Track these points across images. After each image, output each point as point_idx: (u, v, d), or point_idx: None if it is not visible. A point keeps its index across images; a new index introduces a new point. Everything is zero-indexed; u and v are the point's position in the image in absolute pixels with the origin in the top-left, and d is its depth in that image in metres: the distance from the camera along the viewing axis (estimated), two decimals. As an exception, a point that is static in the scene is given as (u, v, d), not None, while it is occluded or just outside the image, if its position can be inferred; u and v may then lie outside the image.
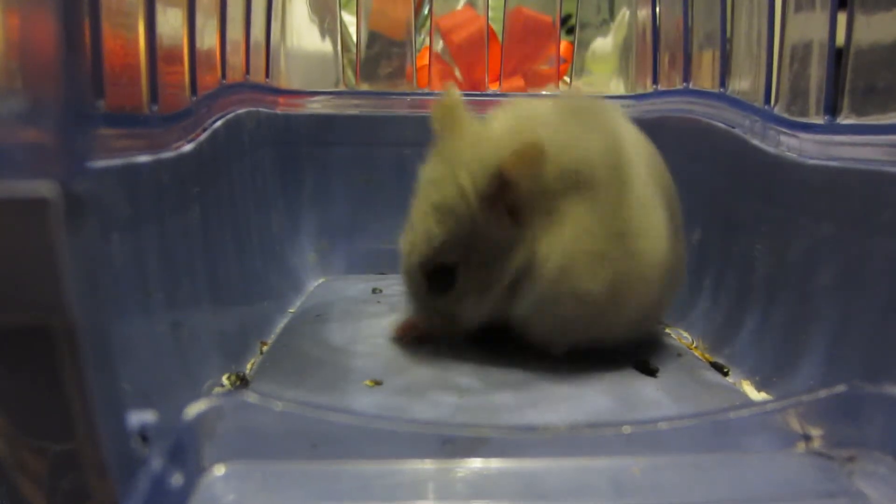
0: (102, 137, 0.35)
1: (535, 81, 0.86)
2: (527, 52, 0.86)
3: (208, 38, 0.51)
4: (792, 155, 0.50)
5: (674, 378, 0.48)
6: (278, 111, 0.72)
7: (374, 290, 0.69)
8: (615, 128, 0.50)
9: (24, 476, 0.24)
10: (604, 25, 0.88)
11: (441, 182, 0.47)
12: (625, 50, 0.84)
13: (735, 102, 0.59)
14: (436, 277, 0.47)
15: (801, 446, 0.35)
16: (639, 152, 0.51)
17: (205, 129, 0.49)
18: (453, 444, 0.33)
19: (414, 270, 0.48)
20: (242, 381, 0.45)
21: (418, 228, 0.47)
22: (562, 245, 0.45)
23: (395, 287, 0.70)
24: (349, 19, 0.84)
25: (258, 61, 0.67)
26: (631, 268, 0.46)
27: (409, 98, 0.77)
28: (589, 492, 0.32)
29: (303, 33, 0.78)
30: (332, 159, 0.75)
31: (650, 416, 0.37)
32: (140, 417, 0.27)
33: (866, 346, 0.41)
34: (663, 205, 0.49)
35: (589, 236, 0.45)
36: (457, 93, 0.51)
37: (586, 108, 0.51)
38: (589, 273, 0.45)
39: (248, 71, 0.63)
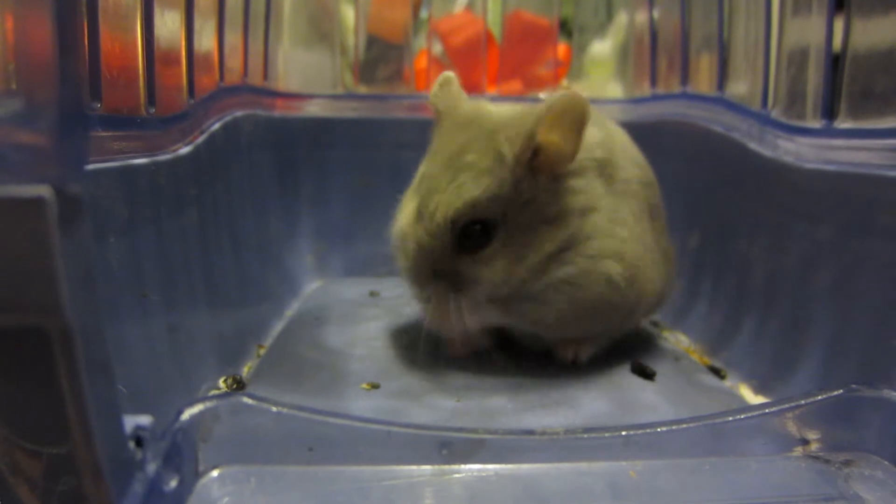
0: (99, 139, 0.35)
1: (533, 84, 0.86)
2: (525, 55, 0.86)
3: (206, 41, 0.51)
4: (789, 159, 0.50)
5: (671, 381, 0.48)
6: (276, 114, 0.72)
7: (371, 293, 0.69)
8: (616, 127, 0.54)
9: (19, 479, 0.23)
10: (602, 29, 0.88)
11: (471, 146, 0.45)
12: (623, 53, 0.84)
13: (732, 106, 0.59)
14: (468, 235, 0.44)
15: (798, 450, 0.35)
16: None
17: (202, 132, 0.49)
18: (451, 447, 0.33)
19: (440, 230, 0.44)
20: (239, 385, 0.45)
21: (446, 188, 0.45)
22: (600, 228, 0.47)
23: (392, 290, 0.70)
24: (347, 22, 0.84)
25: (256, 64, 0.67)
26: (645, 258, 0.48)
27: (406, 101, 0.77)
28: (586, 495, 0.32)
29: (301, 36, 0.78)
30: (330, 162, 0.75)
31: (647, 420, 0.37)
32: (136, 420, 0.27)
33: (863, 349, 0.41)
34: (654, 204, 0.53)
35: (618, 224, 0.47)
36: (452, 74, 0.52)
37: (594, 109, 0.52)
38: (618, 257, 0.46)
39: (245, 73, 0.63)
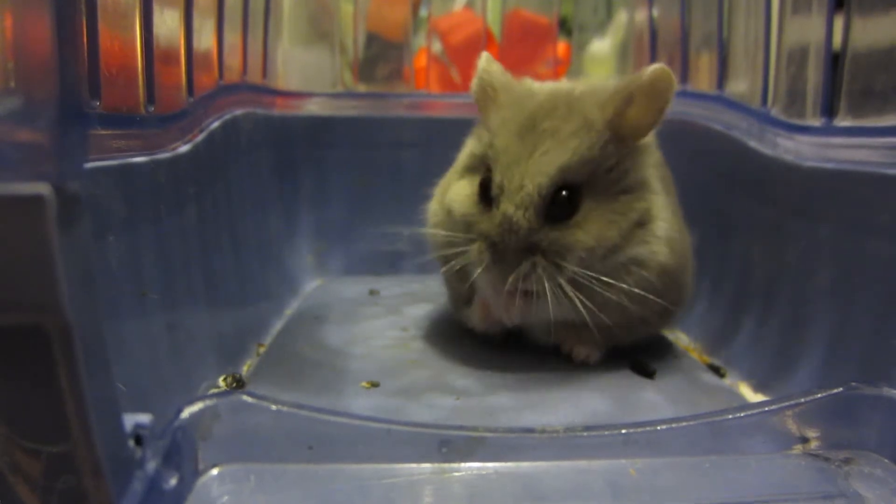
0: (99, 138, 0.35)
1: (532, 83, 0.86)
2: (525, 53, 0.86)
3: (205, 39, 0.51)
4: (789, 157, 0.50)
5: (671, 380, 0.48)
6: (275, 112, 0.72)
7: (371, 292, 0.69)
8: None
9: (18, 478, 0.23)
10: (601, 27, 0.88)
11: (546, 115, 0.45)
12: (622, 52, 0.84)
13: (732, 104, 0.59)
14: (555, 202, 0.44)
15: (798, 448, 0.35)
16: None
17: (202, 130, 0.49)
18: (450, 445, 0.33)
19: (530, 201, 0.43)
20: (239, 383, 0.45)
21: (529, 157, 0.44)
22: (661, 209, 0.47)
23: (392, 289, 0.70)
24: (347, 20, 0.84)
25: (255, 62, 0.67)
26: (687, 253, 0.50)
27: (406, 99, 0.77)
28: (586, 493, 0.32)
29: (300, 34, 0.78)
30: (330, 161, 0.75)
31: (647, 418, 0.37)
32: (135, 419, 0.27)
33: (863, 348, 0.41)
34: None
35: (670, 211, 0.48)
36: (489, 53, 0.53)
37: None
38: (670, 244, 0.47)
39: (245, 72, 0.63)
